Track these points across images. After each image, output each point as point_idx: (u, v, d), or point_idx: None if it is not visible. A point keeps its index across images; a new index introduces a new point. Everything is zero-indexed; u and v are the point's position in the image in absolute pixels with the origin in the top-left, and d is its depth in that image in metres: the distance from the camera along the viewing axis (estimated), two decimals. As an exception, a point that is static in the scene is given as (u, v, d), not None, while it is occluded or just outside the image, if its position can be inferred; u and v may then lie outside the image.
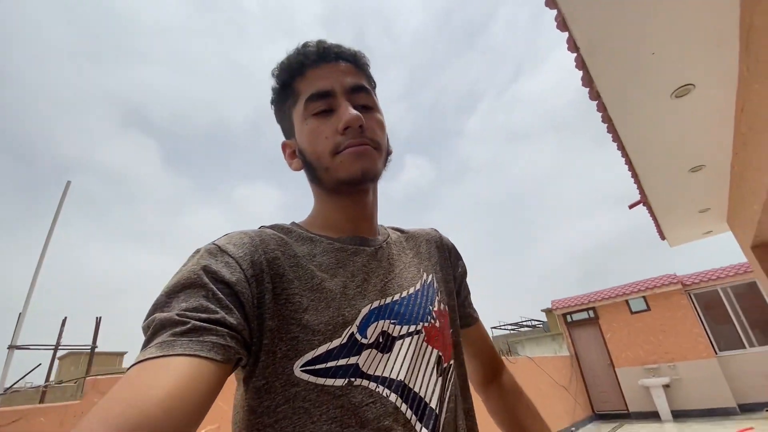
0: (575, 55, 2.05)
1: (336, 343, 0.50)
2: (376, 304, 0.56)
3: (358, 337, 0.52)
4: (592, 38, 1.81)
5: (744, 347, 8.63)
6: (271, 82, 0.66)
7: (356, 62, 0.64)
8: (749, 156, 2.63)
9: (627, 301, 9.81)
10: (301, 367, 0.48)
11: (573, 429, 8.58)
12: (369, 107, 0.62)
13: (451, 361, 0.62)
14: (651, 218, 4.57)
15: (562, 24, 1.82)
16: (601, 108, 2.45)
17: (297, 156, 0.65)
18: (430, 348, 0.58)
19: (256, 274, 0.50)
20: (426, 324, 0.59)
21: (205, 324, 0.42)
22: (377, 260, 0.63)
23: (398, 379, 0.53)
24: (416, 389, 0.54)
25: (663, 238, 5.36)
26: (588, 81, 2.19)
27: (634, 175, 3.48)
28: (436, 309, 0.63)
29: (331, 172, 0.59)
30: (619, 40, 1.83)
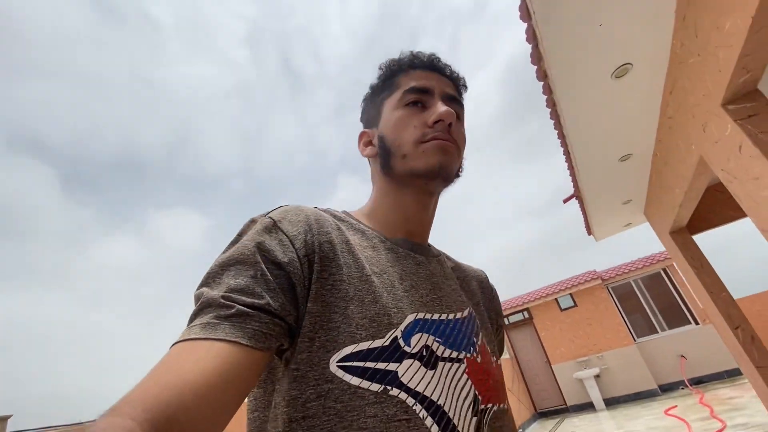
0: (526, 25, 1.96)
1: (378, 343, 0.48)
2: (422, 315, 0.54)
3: (401, 343, 0.49)
4: (548, 2, 1.71)
5: (657, 332, 9.55)
6: (375, 76, 0.68)
7: (457, 82, 0.68)
8: (675, 139, 2.78)
9: (556, 300, 10.42)
10: (338, 361, 0.45)
11: (519, 430, 8.69)
12: (459, 118, 0.64)
13: (489, 405, 0.56)
14: (581, 212, 4.79)
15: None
16: (547, 90, 2.40)
17: (373, 144, 0.66)
18: (469, 382, 0.54)
19: (308, 254, 0.50)
20: (468, 355, 0.56)
21: (249, 309, 0.42)
22: (427, 271, 0.61)
23: (438, 402, 0.49)
24: (454, 420, 0.49)
25: (590, 233, 5.68)
26: (537, 58, 2.12)
27: (571, 167, 3.56)
28: (479, 343, 0.60)
29: (408, 159, 0.59)
30: (573, 5, 1.75)
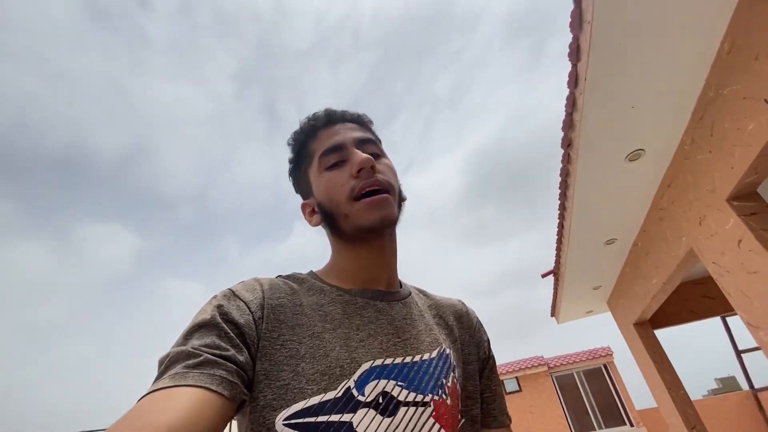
0: (568, 93, 2.10)
1: (330, 395, 0.48)
2: (379, 361, 0.54)
3: (354, 392, 0.49)
4: (598, 71, 1.85)
5: (594, 429, 9.54)
6: (287, 154, 0.72)
7: (360, 122, 0.71)
8: (663, 230, 2.99)
9: (502, 382, 10.26)
10: (284, 420, 0.46)
11: None
12: (378, 155, 0.66)
13: None
14: (553, 291, 4.91)
15: (575, 53, 1.84)
16: (566, 159, 2.54)
17: (316, 212, 0.67)
18: (437, 426, 0.53)
19: (261, 317, 0.53)
20: (436, 397, 0.55)
21: (216, 359, 0.44)
22: (389, 316, 0.61)
23: None
24: None
25: (553, 314, 5.80)
26: (569, 125, 2.25)
27: (559, 241, 3.69)
28: (449, 385, 0.59)
29: (350, 218, 0.61)
30: (619, 80, 1.92)
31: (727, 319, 4.92)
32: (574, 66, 1.92)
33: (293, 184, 0.74)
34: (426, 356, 0.59)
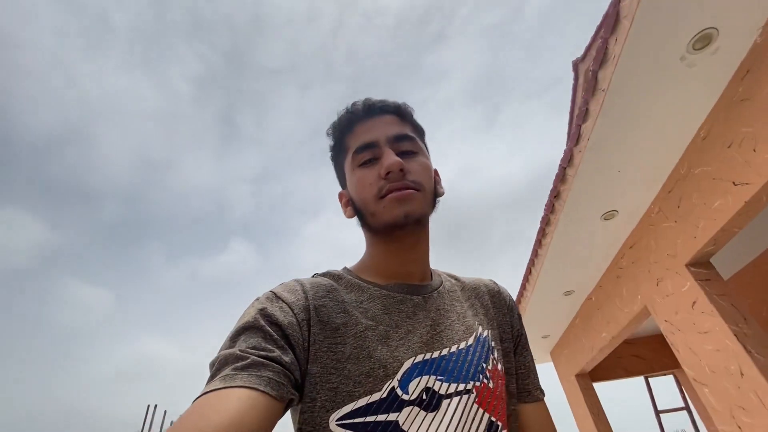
0: (566, 148, 2.30)
1: (376, 397, 0.50)
2: (420, 357, 0.55)
3: (399, 392, 0.51)
4: (605, 132, 2.07)
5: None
6: (327, 141, 0.72)
7: (400, 113, 0.69)
8: (620, 288, 3.27)
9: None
10: (337, 420, 0.48)
11: None
12: (413, 152, 0.66)
13: None
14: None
15: (583, 115, 2.05)
16: (549, 208, 2.74)
17: (350, 205, 0.68)
18: (481, 411, 0.55)
19: (307, 319, 0.54)
20: (478, 383, 0.57)
21: (263, 360, 0.45)
22: (425, 310, 0.63)
23: None
24: None
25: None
26: (560, 178, 2.45)
27: (523, 289, 3.88)
28: (490, 368, 0.60)
29: (377, 216, 0.62)
30: (616, 142, 2.15)
31: (650, 380, 5.37)
32: (578, 126, 2.13)
33: (334, 169, 0.74)
34: (462, 345, 0.60)
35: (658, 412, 5.28)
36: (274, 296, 0.55)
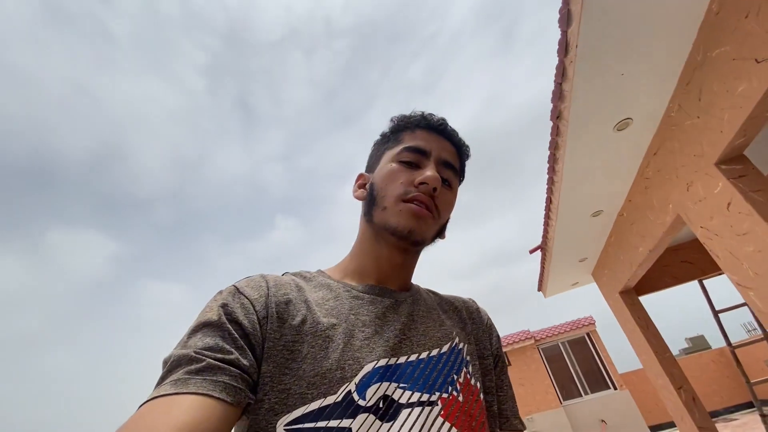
0: (558, 62, 2.04)
1: (330, 400, 0.47)
2: (383, 362, 0.52)
3: (355, 396, 0.48)
4: (590, 38, 1.80)
5: (581, 395, 9.93)
6: (386, 125, 0.72)
7: (459, 149, 0.70)
8: (649, 199, 3.02)
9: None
10: (286, 425, 0.46)
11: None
12: (449, 185, 0.66)
13: None
14: (540, 266, 4.98)
15: (565, 18, 1.78)
16: (555, 131, 2.51)
17: (365, 188, 0.69)
18: (447, 425, 0.51)
19: (266, 316, 0.52)
20: (445, 395, 0.54)
21: (219, 363, 0.43)
22: (397, 314, 0.61)
23: None
24: None
25: (540, 288, 5.90)
26: (558, 95, 2.20)
27: (547, 217, 3.70)
28: (461, 380, 0.57)
29: (386, 213, 0.61)
30: (610, 45, 1.87)
31: (704, 281, 5.12)
32: (564, 33, 1.86)
33: (371, 151, 0.74)
34: (435, 352, 0.58)
35: (716, 312, 5.07)
36: (237, 291, 0.53)
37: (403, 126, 0.69)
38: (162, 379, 0.42)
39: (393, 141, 0.69)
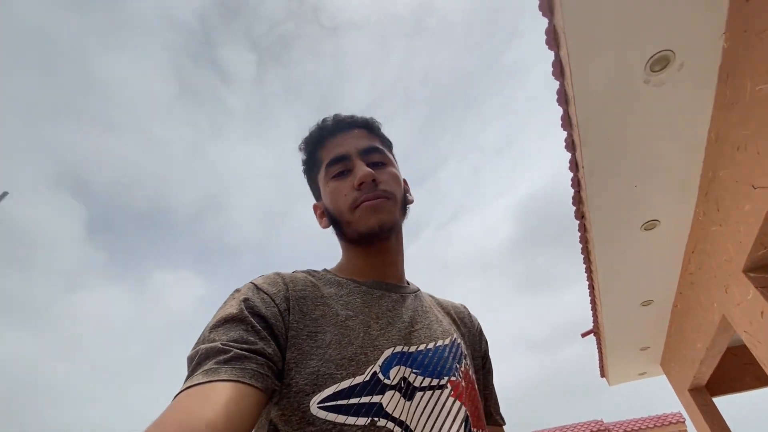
0: (572, 175, 2.33)
1: (359, 379, 0.50)
2: (399, 348, 0.56)
3: (381, 376, 0.51)
4: (593, 161, 2.09)
5: None
6: (300, 156, 0.75)
7: (368, 127, 0.73)
8: (696, 294, 2.96)
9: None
10: (319, 403, 0.47)
11: None
12: (383, 163, 0.69)
13: (477, 431, 0.58)
14: (597, 350, 4.75)
15: (570, 146, 2.11)
16: (582, 228, 2.71)
17: (325, 216, 0.71)
18: (458, 403, 0.56)
19: (287, 309, 0.54)
20: (454, 378, 0.58)
21: (246, 353, 0.44)
22: (404, 307, 0.64)
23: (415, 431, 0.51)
24: None
25: (603, 374, 5.51)
26: (578, 200, 2.46)
27: (593, 302, 3.70)
28: (462, 369, 0.61)
29: (352, 225, 0.64)
30: (614, 166, 2.14)
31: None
32: (573, 154, 2.18)
33: (307, 182, 0.77)
34: (439, 343, 0.61)
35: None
36: (255, 287, 0.55)
37: (312, 147, 0.72)
38: (192, 371, 0.43)
39: (315, 165, 0.71)
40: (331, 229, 0.72)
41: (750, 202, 1.86)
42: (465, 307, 0.81)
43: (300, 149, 0.74)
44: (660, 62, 1.67)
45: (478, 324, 0.79)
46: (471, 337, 0.74)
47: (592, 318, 4.00)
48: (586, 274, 3.29)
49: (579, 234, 2.82)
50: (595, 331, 4.20)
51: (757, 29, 1.45)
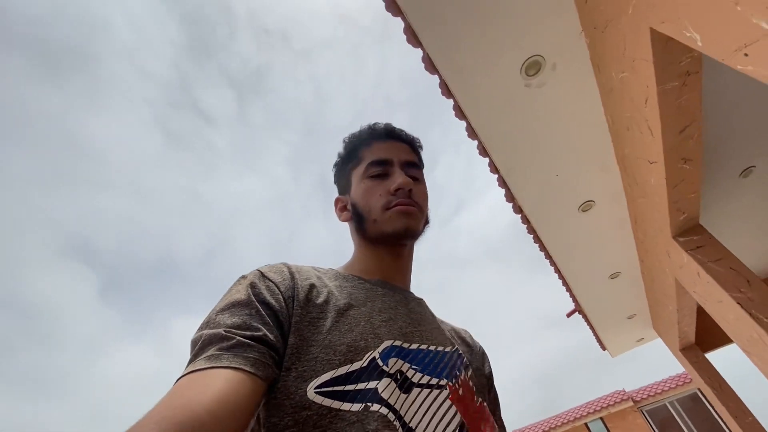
0: (497, 175, 2.43)
1: (357, 366, 0.49)
2: (398, 343, 0.55)
3: (379, 362, 0.51)
4: (507, 161, 2.19)
5: (708, 468, 8.33)
6: (339, 148, 0.77)
7: (413, 145, 0.77)
8: (654, 260, 3.04)
9: (586, 425, 9.42)
10: (315, 388, 0.47)
11: None
12: (418, 179, 0.73)
13: None
14: (588, 327, 4.80)
15: (483, 151, 2.21)
16: (525, 220, 2.80)
17: (347, 210, 0.73)
18: (453, 409, 0.53)
19: (292, 296, 0.54)
20: (451, 383, 0.56)
21: (248, 341, 0.45)
22: (407, 308, 0.64)
23: (410, 425, 0.49)
24: None
25: (603, 348, 5.55)
26: (510, 197, 2.55)
27: (565, 283, 3.78)
28: (462, 378, 0.60)
29: (378, 224, 0.66)
30: (529, 162, 2.24)
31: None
32: (489, 158, 2.28)
33: (335, 177, 0.79)
34: (440, 348, 0.61)
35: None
36: (261, 275, 0.55)
37: (357, 144, 0.73)
38: (195, 356, 0.44)
39: (354, 160, 0.73)
40: (341, 234, 0.75)
41: (653, 176, 1.95)
42: (467, 331, 0.80)
43: (344, 141, 0.76)
44: (533, 67, 1.78)
45: (481, 347, 0.78)
46: (474, 357, 0.73)
47: (570, 297, 4.07)
48: (547, 261, 3.37)
49: (525, 225, 2.90)
50: (578, 309, 4.26)
51: (599, 25, 1.55)
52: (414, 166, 0.73)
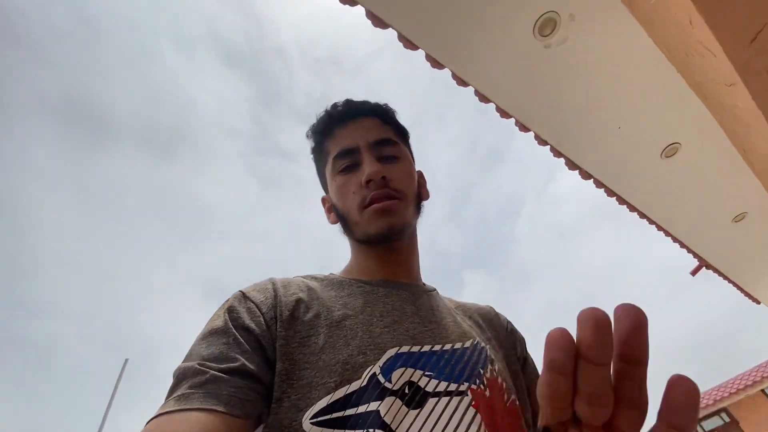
0: (548, 146, 2.23)
1: (355, 385, 0.44)
2: (405, 348, 0.49)
3: (381, 379, 0.45)
4: (554, 131, 2.01)
5: None
6: (308, 144, 0.70)
7: (381, 116, 0.67)
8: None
9: (763, 391, 7.86)
10: (311, 418, 0.42)
11: None
12: (395, 157, 0.64)
13: None
14: (727, 281, 4.05)
15: (522, 127, 2.05)
16: (599, 184, 2.51)
17: (333, 210, 0.67)
18: (478, 418, 0.46)
19: (275, 317, 0.49)
20: (474, 386, 0.49)
21: (223, 374, 0.41)
22: (415, 306, 0.58)
23: None
24: None
25: (757, 301, 4.62)
26: (571, 164, 2.32)
27: (675, 240, 3.27)
28: (488, 375, 0.52)
29: (360, 226, 0.60)
30: (582, 125, 2.01)
31: None
32: (532, 132, 2.11)
33: (316, 174, 0.72)
34: (458, 345, 0.54)
35: None
36: (243, 296, 0.51)
37: (320, 135, 0.66)
38: (169, 394, 0.41)
39: (322, 155, 0.66)
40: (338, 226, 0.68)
41: (738, 99, 1.61)
42: (491, 307, 0.72)
43: (307, 137, 0.69)
44: (548, 25, 1.61)
45: (508, 322, 0.71)
46: (501, 340, 0.65)
47: (690, 253, 3.50)
48: (644, 220, 2.95)
49: (603, 189, 2.60)
50: (704, 263, 3.63)
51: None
52: (387, 143, 0.64)
